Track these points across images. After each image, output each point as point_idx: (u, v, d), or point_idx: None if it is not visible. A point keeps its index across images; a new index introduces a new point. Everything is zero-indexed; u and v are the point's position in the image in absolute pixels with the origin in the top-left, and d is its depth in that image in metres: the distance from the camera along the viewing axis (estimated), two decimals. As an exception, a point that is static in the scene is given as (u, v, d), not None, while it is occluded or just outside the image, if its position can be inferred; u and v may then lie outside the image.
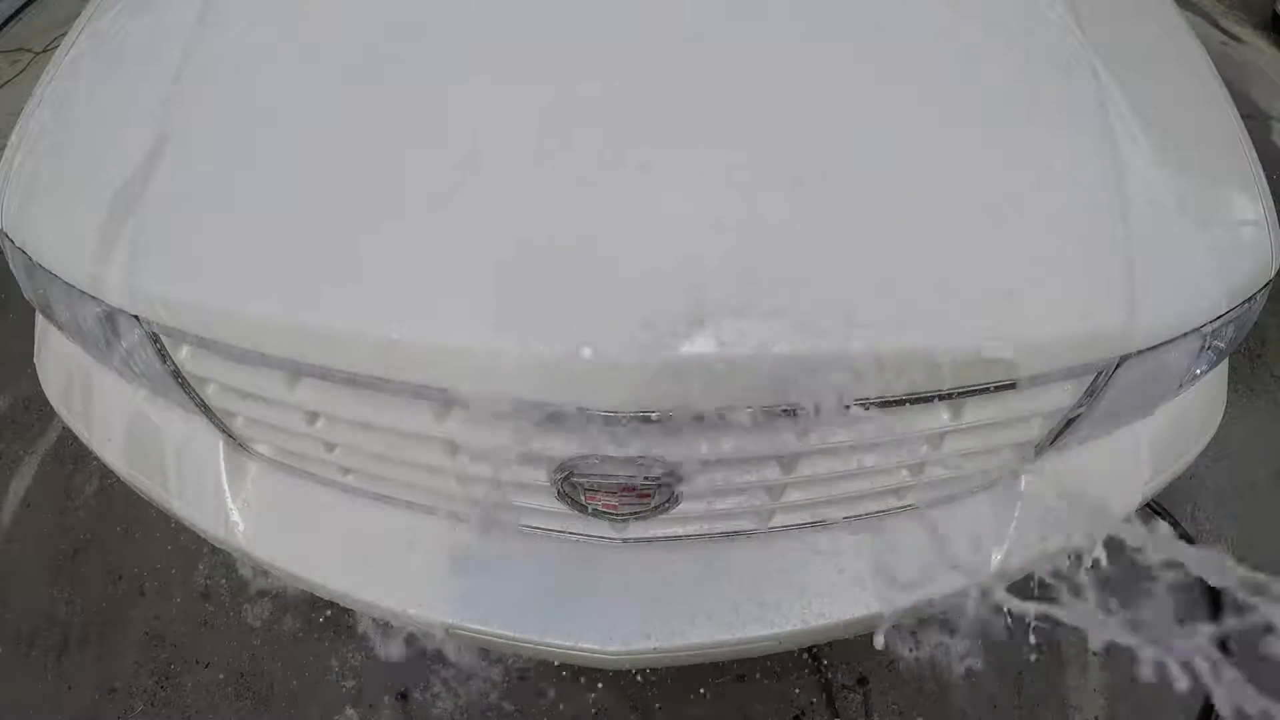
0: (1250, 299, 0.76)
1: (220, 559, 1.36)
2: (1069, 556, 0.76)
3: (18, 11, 2.69)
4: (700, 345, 0.57)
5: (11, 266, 0.81)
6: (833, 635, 0.80)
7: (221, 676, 1.25)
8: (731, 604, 0.76)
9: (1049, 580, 0.70)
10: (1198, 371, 0.80)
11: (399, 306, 0.60)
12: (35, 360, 0.98)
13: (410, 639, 1.24)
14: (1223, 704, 0.59)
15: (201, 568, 1.36)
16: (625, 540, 0.76)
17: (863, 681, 1.25)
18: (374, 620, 1.25)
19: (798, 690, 1.24)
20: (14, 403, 1.60)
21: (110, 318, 0.72)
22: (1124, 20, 0.93)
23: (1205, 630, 0.62)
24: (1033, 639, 1.29)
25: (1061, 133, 0.74)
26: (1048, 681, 1.26)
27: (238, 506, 0.82)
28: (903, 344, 0.60)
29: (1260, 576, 0.57)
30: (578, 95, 0.69)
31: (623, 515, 0.72)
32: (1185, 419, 0.90)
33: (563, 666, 1.23)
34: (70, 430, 0.93)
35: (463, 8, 0.78)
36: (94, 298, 0.71)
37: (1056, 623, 0.67)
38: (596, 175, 0.64)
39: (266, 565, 0.83)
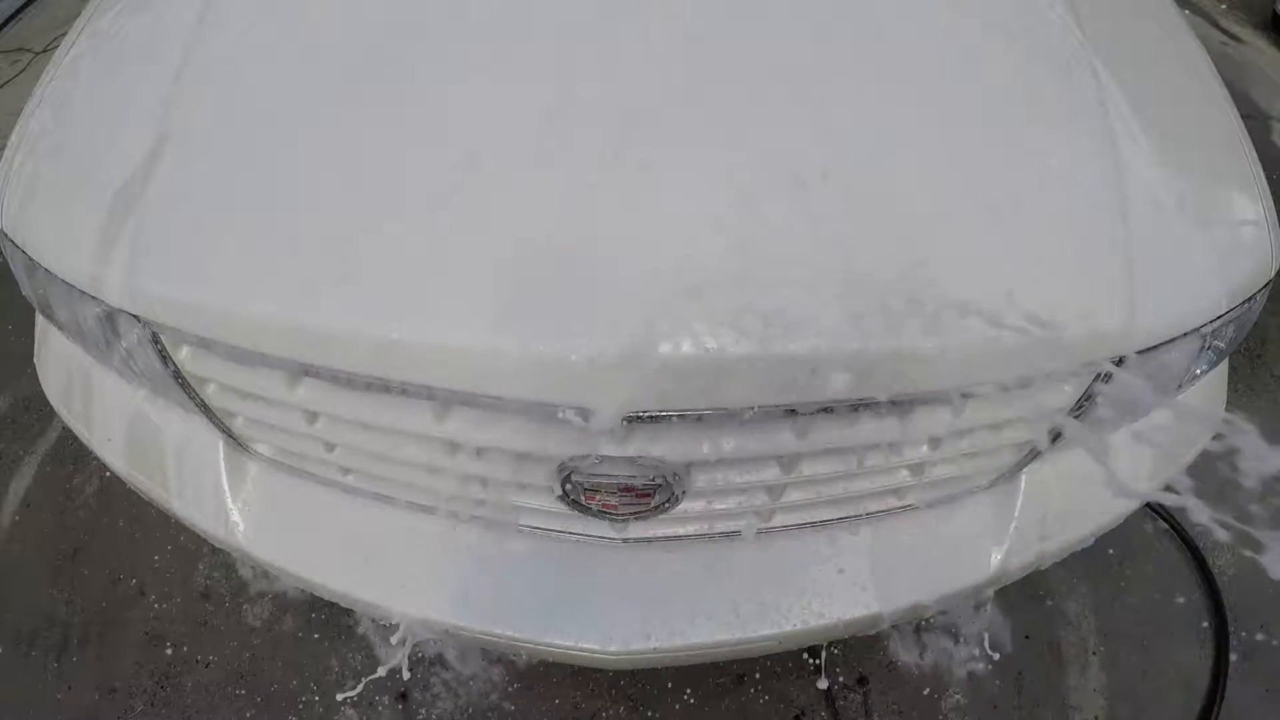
0: (1250, 299, 0.76)
1: (220, 559, 1.36)
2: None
3: (18, 11, 2.69)
4: (700, 345, 0.57)
5: (11, 266, 0.81)
6: (833, 635, 0.80)
7: (221, 676, 1.25)
8: (731, 604, 0.76)
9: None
10: (1198, 371, 0.80)
11: (399, 307, 0.60)
12: (35, 360, 0.98)
13: (410, 639, 1.25)
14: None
15: (201, 568, 1.36)
16: (625, 540, 0.76)
17: (863, 681, 1.25)
18: (374, 620, 1.26)
19: (798, 690, 1.24)
20: (14, 403, 1.60)
21: (110, 318, 0.72)
22: (1124, 20, 0.93)
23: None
24: (1033, 639, 1.29)
25: (1061, 132, 0.74)
26: (1048, 681, 1.26)
27: (238, 507, 0.82)
28: (903, 344, 0.60)
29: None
30: (578, 95, 0.69)
31: (623, 515, 0.72)
32: (1185, 419, 0.90)
33: (563, 667, 1.23)
34: (70, 430, 0.93)
35: (462, 8, 0.78)
36: (94, 298, 0.71)
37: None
38: (596, 175, 0.64)
39: (267, 565, 0.83)
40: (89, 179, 0.74)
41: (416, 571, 0.79)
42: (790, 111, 0.70)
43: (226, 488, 0.82)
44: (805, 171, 0.66)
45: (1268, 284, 0.78)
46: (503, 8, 0.78)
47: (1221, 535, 1.41)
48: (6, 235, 0.78)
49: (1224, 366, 0.96)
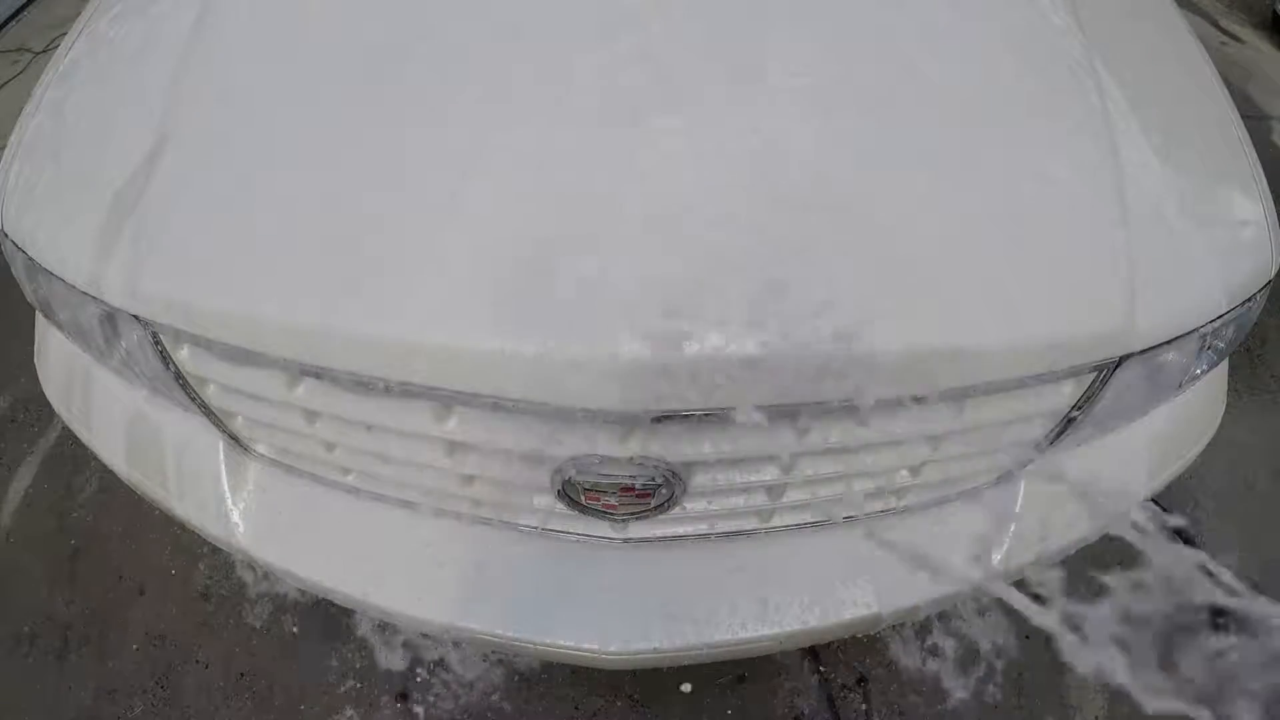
0: (1250, 299, 0.76)
1: (220, 559, 1.36)
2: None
3: (18, 11, 2.69)
4: (700, 346, 0.57)
5: (12, 267, 0.81)
6: (833, 635, 0.80)
7: (221, 676, 1.25)
8: (731, 604, 0.76)
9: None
10: (1198, 371, 0.80)
11: (398, 307, 0.60)
12: (35, 360, 0.98)
13: (410, 639, 1.25)
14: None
15: (201, 568, 1.36)
16: (625, 540, 0.76)
17: (863, 681, 1.25)
18: (374, 620, 1.26)
19: (798, 690, 1.24)
20: (14, 403, 1.60)
21: (110, 318, 0.72)
22: (1124, 20, 0.93)
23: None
24: (1033, 638, 1.29)
25: (1062, 133, 0.74)
26: (1048, 681, 1.26)
27: (238, 507, 0.82)
28: (904, 344, 0.60)
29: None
30: (579, 96, 0.69)
31: (622, 515, 0.72)
32: (1185, 419, 0.90)
33: (563, 666, 1.23)
34: (70, 430, 0.93)
35: (462, 9, 0.78)
36: (94, 298, 0.71)
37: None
38: (597, 176, 0.64)
39: (266, 566, 0.83)
40: (89, 179, 0.74)
41: (416, 571, 0.79)
42: (792, 113, 0.70)
43: (226, 488, 0.82)
44: (807, 173, 0.66)
45: (1268, 284, 0.78)
46: (503, 8, 0.78)
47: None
48: (7, 235, 0.78)
49: (1224, 367, 0.96)
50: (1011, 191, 0.69)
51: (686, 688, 1.23)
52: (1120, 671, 0.62)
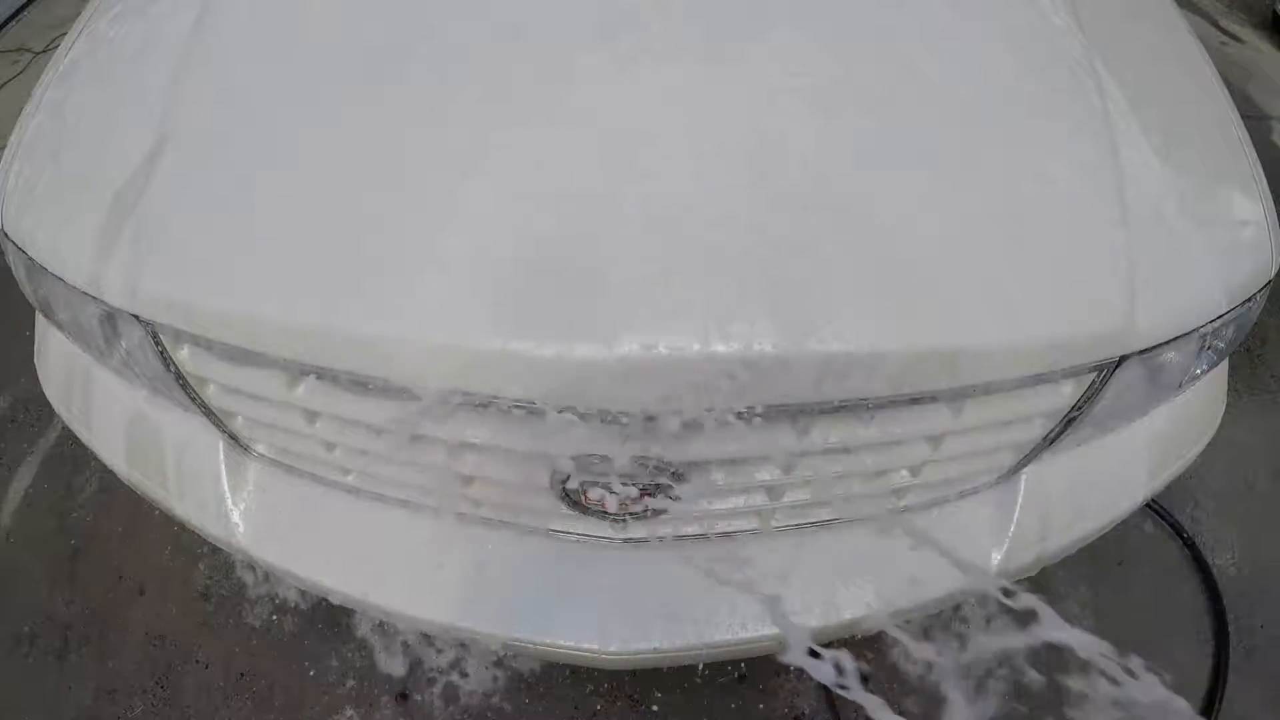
0: (1250, 299, 0.76)
1: (220, 559, 1.36)
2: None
3: (18, 11, 2.69)
4: (700, 346, 0.57)
5: (12, 267, 0.81)
6: (833, 635, 0.80)
7: (221, 676, 1.25)
8: (731, 604, 0.76)
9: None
10: (1198, 371, 0.80)
11: (398, 307, 0.60)
12: (35, 360, 0.98)
13: (410, 639, 1.25)
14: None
15: (201, 568, 1.36)
16: (625, 540, 0.76)
17: (863, 681, 1.25)
18: (374, 620, 1.26)
19: (798, 690, 1.24)
20: (14, 403, 1.60)
21: (110, 318, 0.72)
22: (1124, 20, 0.93)
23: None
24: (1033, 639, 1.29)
25: (1062, 133, 0.75)
26: (1048, 681, 1.26)
27: (238, 507, 0.82)
28: (904, 345, 0.60)
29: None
30: (579, 96, 0.69)
31: (622, 515, 0.72)
32: (1185, 419, 0.90)
33: (562, 666, 1.23)
34: (70, 430, 0.93)
35: (461, 9, 0.78)
36: (94, 298, 0.71)
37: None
38: (598, 177, 0.64)
39: (266, 565, 0.83)
40: (89, 179, 0.74)
41: (416, 571, 0.79)
42: (791, 114, 0.70)
43: (226, 488, 0.82)
44: (807, 174, 0.66)
45: (1268, 284, 0.78)
46: (502, 8, 0.78)
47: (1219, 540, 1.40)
48: (7, 236, 0.78)
49: (1224, 367, 0.96)
50: (1011, 191, 0.69)
51: (687, 690, 1.23)
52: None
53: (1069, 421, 0.74)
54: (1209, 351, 0.78)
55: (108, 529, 1.41)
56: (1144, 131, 0.77)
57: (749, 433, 0.63)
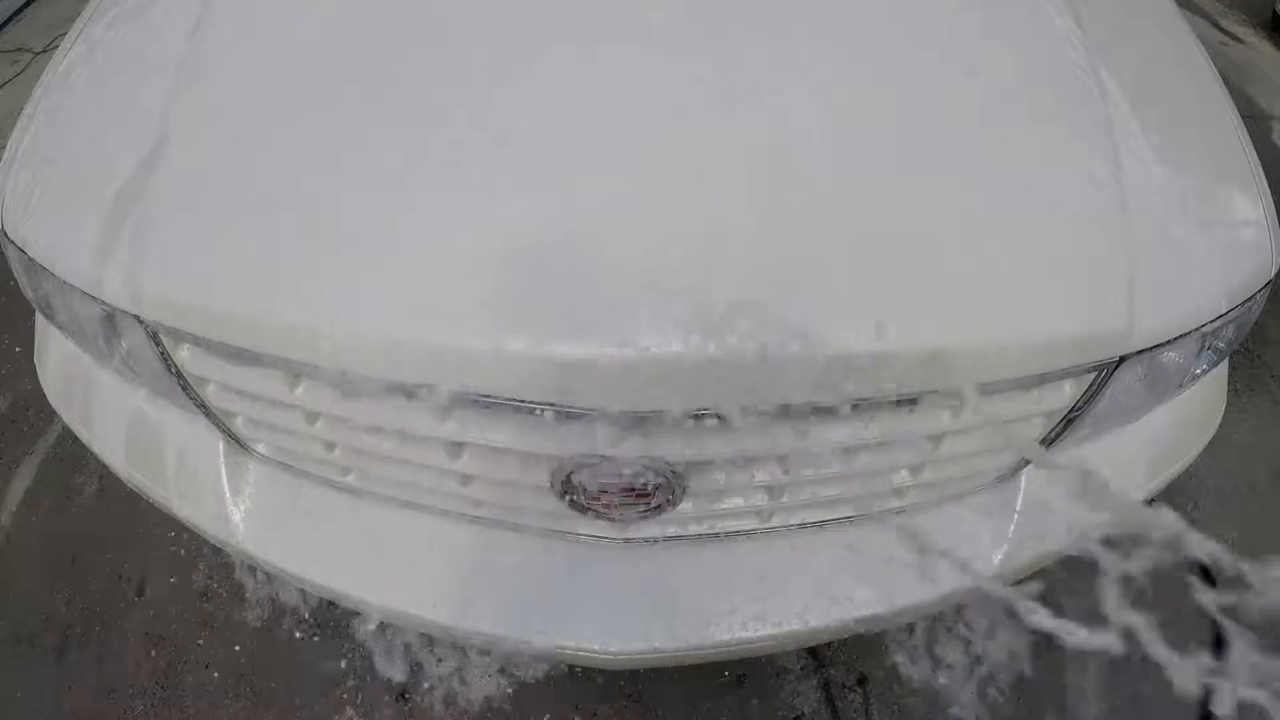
0: (1250, 299, 0.76)
1: (220, 559, 1.36)
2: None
3: (18, 11, 2.69)
4: (699, 347, 0.57)
5: (12, 267, 0.81)
6: (833, 635, 0.80)
7: (221, 676, 1.25)
8: (731, 604, 0.76)
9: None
10: (1198, 371, 0.80)
11: (398, 306, 0.60)
12: (35, 360, 0.98)
13: (410, 638, 1.25)
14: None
15: (201, 568, 1.36)
16: (625, 540, 0.76)
17: (863, 681, 1.25)
18: (375, 620, 1.26)
19: (798, 691, 1.24)
20: (14, 403, 1.60)
21: (110, 318, 0.72)
22: (1124, 20, 0.93)
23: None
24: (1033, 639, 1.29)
25: (1062, 133, 0.74)
26: (1048, 681, 1.26)
27: (238, 506, 0.82)
28: (905, 345, 0.60)
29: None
30: (578, 98, 0.69)
31: (623, 515, 0.72)
32: (1185, 419, 0.90)
33: (562, 666, 1.23)
34: (70, 430, 0.93)
35: (459, 9, 0.78)
36: (94, 298, 0.71)
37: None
38: (599, 177, 0.64)
39: (266, 565, 0.83)
40: (89, 180, 0.74)
41: (416, 571, 0.79)
42: (793, 114, 0.70)
43: (226, 488, 0.82)
44: (808, 174, 0.66)
45: (1268, 284, 0.78)
46: (501, 9, 0.78)
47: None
48: (7, 236, 0.78)
49: (1224, 367, 0.96)
50: (1012, 192, 0.69)
51: (687, 690, 1.23)
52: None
53: (1069, 421, 0.74)
54: (1209, 352, 0.78)
55: (108, 529, 1.41)
56: (1144, 132, 0.77)
57: (749, 433, 0.63)
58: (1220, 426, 0.95)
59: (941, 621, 1.29)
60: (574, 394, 0.59)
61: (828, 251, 0.63)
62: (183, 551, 1.38)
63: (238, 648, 1.28)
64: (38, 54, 2.50)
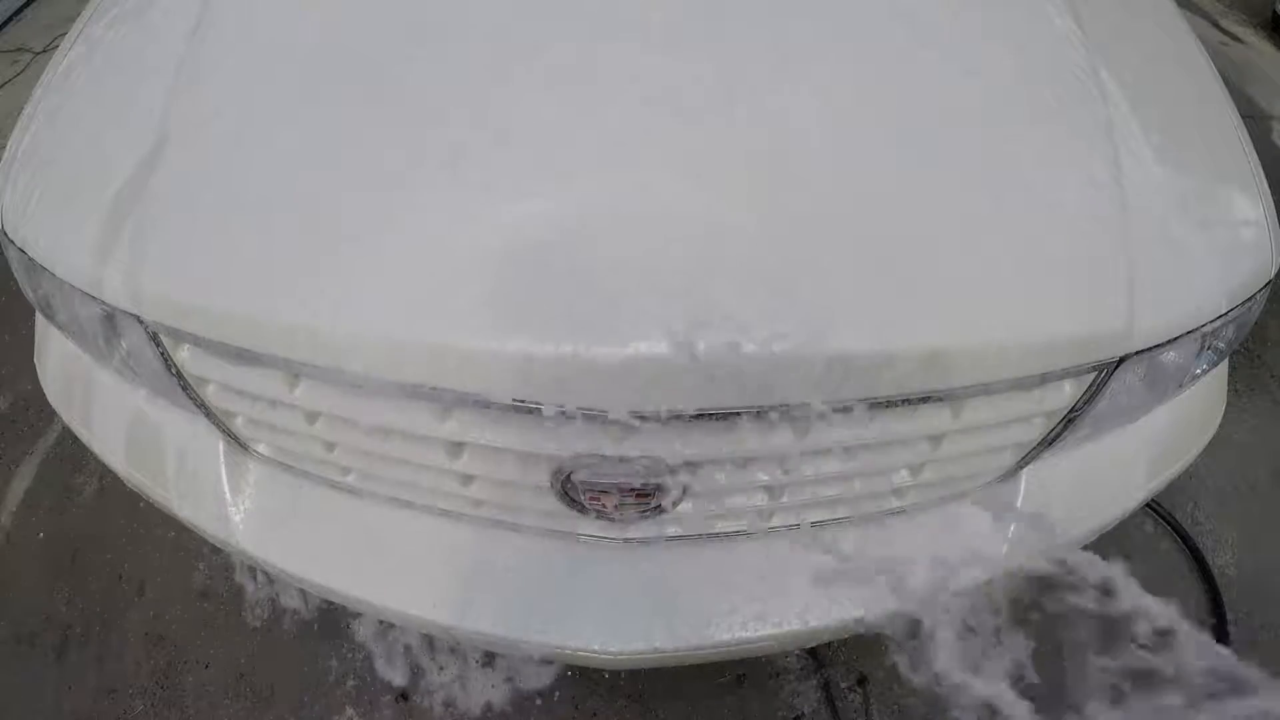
0: (1250, 299, 0.76)
1: (220, 559, 1.36)
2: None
3: (18, 11, 2.69)
4: (698, 348, 0.57)
5: (12, 267, 0.81)
6: (833, 635, 0.80)
7: (221, 676, 1.25)
8: (731, 604, 0.76)
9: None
10: (1198, 371, 0.80)
11: (398, 307, 0.60)
12: (35, 360, 0.98)
13: (410, 638, 1.25)
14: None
15: (201, 568, 1.36)
16: (625, 540, 0.76)
17: (863, 681, 1.25)
18: (375, 620, 1.26)
19: (798, 691, 1.24)
20: (14, 403, 1.60)
21: (110, 318, 0.72)
22: (1124, 20, 0.93)
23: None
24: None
25: (1062, 133, 0.74)
26: (1049, 681, 1.26)
27: (238, 506, 0.82)
28: (905, 345, 0.60)
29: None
30: (578, 98, 0.69)
31: (622, 515, 0.72)
32: (1185, 419, 0.90)
33: (562, 667, 1.23)
34: (70, 430, 0.93)
35: (458, 9, 0.78)
36: (94, 298, 0.71)
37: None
38: (599, 177, 0.64)
39: (266, 565, 0.83)
40: (88, 180, 0.74)
41: (416, 571, 0.79)
42: (792, 114, 0.70)
43: (226, 488, 0.82)
44: (808, 174, 0.66)
45: (1268, 284, 0.78)
46: (500, 9, 0.78)
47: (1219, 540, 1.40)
48: (7, 236, 0.78)
49: (1224, 367, 0.96)
50: (1012, 192, 0.69)
51: (687, 690, 1.23)
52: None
53: (1069, 421, 0.74)
54: (1209, 352, 0.78)
55: (108, 529, 1.41)
56: (1144, 132, 0.77)
57: (749, 433, 0.63)
58: (1220, 426, 0.95)
59: (943, 621, 1.29)
60: (574, 394, 0.59)
61: (828, 252, 0.63)
62: (183, 552, 1.38)
63: (238, 648, 1.28)
64: (38, 54, 2.51)
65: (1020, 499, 0.81)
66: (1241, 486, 1.51)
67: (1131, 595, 0.63)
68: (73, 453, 1.51)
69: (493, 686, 1.22)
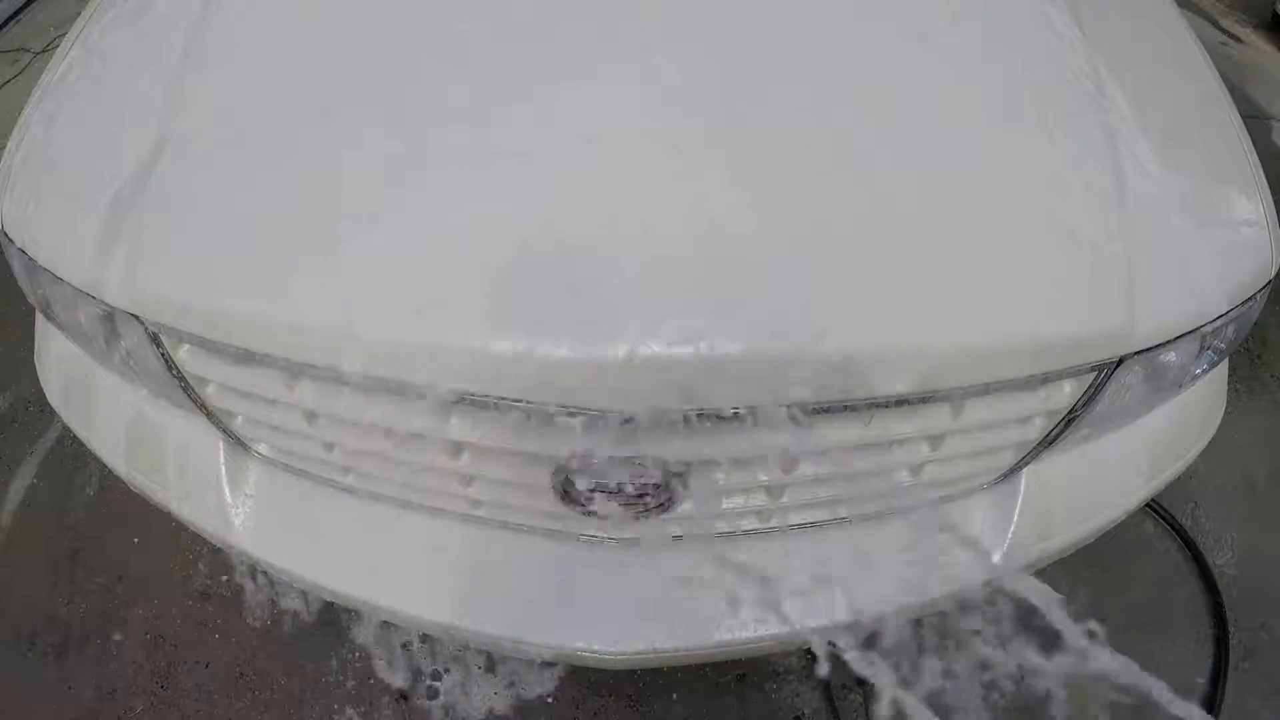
0: (1250, 299, 0.76)
1: (220, 559, 1.36)
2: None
3: (18, 11, 2.69)
4: (698, 348, 0.57)
5: (12, 267, 0.81)
6: (833, 636, 0.80)
7: (221, 676, 1.25)
8: (730, 604, 0.76)
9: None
10: (1198, 372, 0.80)
11: (398, 307, 0.60)
12: (35, 360, 0.98)
13: (410, 638, 1.25)
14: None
15: (201, 568, 1.36)
16: (625, 540, 0.76)
17: (863, 681, 1.25)
18: (375, 620, 1.26)
19: (798, 691, 1.24)
20: (14, 403, 1.60)
21: (110, 318, 0.72)
22: (1124, 20, 0.93)
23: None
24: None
25: (1062, 133, 0.74)
26: (1050, 681, 1.26)
27: (238, 506, 0.82)
28: (905, 344, 0.60)
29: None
30: (578, 98, 0.69)
31: (622, 515, 0.72)
32: (1185, 419, 0.90)
33: (562, 666, 1.23)
34: (70, 430, 0.93)
35: (458, 10, 0.78)
36: (94, 298, 0.71)
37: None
38: (598, 179, 0.64)
39: (267, 565, 0.83)
40: (88, 180, 0.74)
41: (416, 571, 0.79)
42: (790, 114, 0.70)
43: (226, 488, 0.82)
44: (807, 173, 0.66)
45: (1268, 284, 0.78)
46: (500, 11, 0.78)
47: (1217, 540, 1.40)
48: (7, 236, 0.78)
49: (1224, 367, 0.96)
50: (1012, 192, 0.69)
51: (687, 690, 1.23)
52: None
53: (1069, 421, 0.74)
54: (1209, 352, 0.78)
55: (108, 529, 1.41)
56: (1144, 131, 0.77)
57: (748, 433, 0.63)
58: (1220, 426, 0.95)
59: (943, 620, 1.29)
60: (573, 395, 0.59)
61: (828, 253, 0.63)
62: (183, 552, 1.38)
63: (237, 648, 1.28)
64: (38, 54, 2.50)
65: (1020, 499, 0.81)
66: (1241, 486, 1.51)
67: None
68: (73, 453, 1.51)
69: (495, 694, 1.22)
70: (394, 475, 0.74)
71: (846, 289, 0.61)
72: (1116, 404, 0.75)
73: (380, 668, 1.23)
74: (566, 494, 0.69)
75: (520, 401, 0.60)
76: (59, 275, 0.73)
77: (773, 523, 0.76)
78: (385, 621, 1.13)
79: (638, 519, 0.73)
